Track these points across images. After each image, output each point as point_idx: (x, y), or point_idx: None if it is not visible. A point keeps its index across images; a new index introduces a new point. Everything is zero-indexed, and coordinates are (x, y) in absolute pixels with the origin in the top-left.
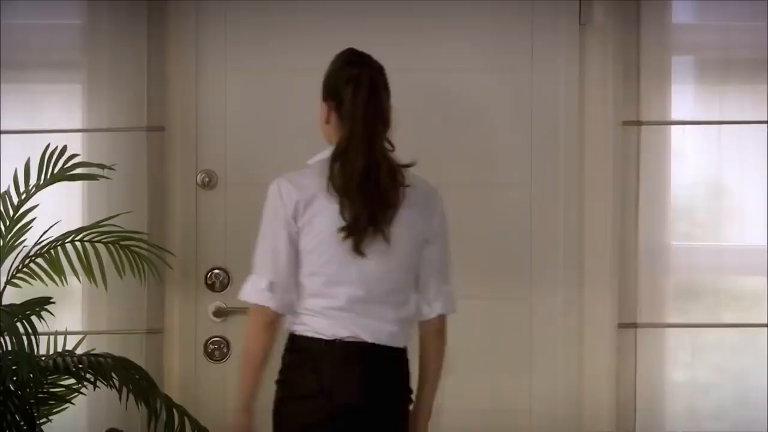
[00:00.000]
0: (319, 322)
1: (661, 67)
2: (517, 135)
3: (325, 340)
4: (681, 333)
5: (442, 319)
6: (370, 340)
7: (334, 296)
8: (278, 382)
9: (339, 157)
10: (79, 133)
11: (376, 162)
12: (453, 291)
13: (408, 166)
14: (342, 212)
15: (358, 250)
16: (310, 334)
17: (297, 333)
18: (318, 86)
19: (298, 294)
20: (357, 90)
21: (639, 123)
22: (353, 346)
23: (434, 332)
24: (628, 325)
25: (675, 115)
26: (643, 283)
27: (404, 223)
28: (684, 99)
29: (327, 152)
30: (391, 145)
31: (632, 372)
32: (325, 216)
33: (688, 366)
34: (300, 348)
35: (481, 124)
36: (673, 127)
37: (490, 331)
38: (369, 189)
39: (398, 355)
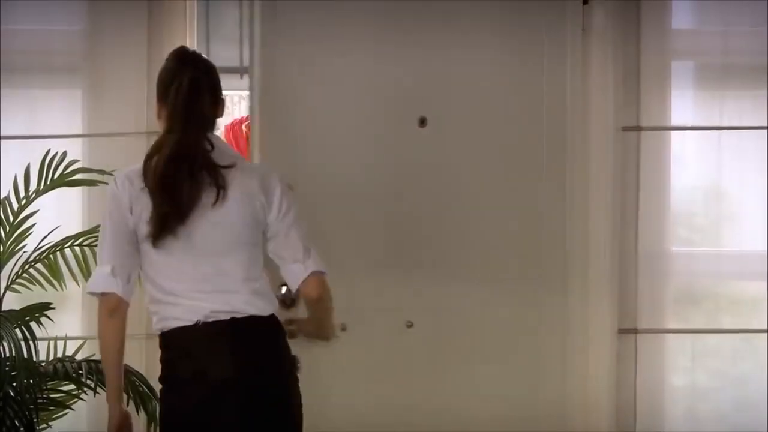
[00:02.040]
0: (175, 309)
1: (661, 72)
2: (525, 141)
3: (189, 326)
4: (681, 338)
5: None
6: (229, 311)
7: (177, 280)
8: (159, 380)
9: (152, 154)
10: (79, 139)
11: (185, 156)
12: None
13: (228, 167)
14: (153, 207)
15: (161, 243)
16: (175, 326)
17: (165, 329)
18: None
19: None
20: (178, 89)
21: (639, 128)
22: (216, 324)
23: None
24: (629, 331)
25: (675, 121)
26: (643, 288)
27: (229, 207)
28: (684, 104)
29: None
30: (212, 144)
31: (632, 377)
32: (146, 207)
33: (687, 371)
34: (168, 343)
35: (495, 130)
36: (673, 133)
37: (496, 336)
38: (175, 186)
39: (266, 323)
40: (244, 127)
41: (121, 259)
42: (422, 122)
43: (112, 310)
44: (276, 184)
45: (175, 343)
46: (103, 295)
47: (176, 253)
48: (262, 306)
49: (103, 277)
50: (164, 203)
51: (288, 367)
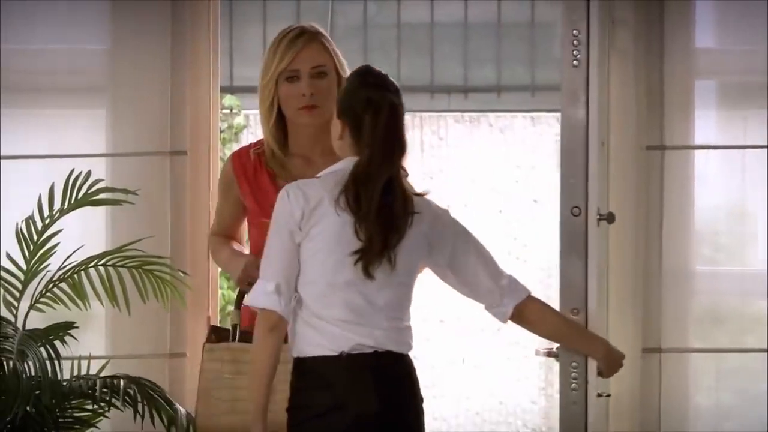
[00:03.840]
0: (320, 336)
1: (685, 91)
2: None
3: (332, 356)
4: (705, 358)
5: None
6: (372, 346)
7: (331, 306)
8: (290, 409)
9: (357, 181)
10: (103, 158)
11: (392, 189)
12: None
13: (420, 195)
14: (356, 233)
15: (367, 272)
16: (316, 353)
17: (302, 356)
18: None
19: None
20: (377, 116)
21: (663, 147)
22: (360, 357)
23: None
24: (653, 350)
25: (698, 140)
26: (667, 307)
27: (407, 248)
28: (707, 123)
29: (338, 165)
30: (405, 171)
31: (656, 397)
32: (329, 227)
33: (712, 390)
34: (305, 370)
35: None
36: (697, 152)
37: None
38: (385, 215)
39: (402, 360)
40: (252, 153)
41: (287, 277)
42: None
43: (272, 327)
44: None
45: (315, 371)
46: (263, 310)
47: (341, 281)
48: (402, 343)
49: (266, 294)
50: (380, 233)
51: (421, 407)
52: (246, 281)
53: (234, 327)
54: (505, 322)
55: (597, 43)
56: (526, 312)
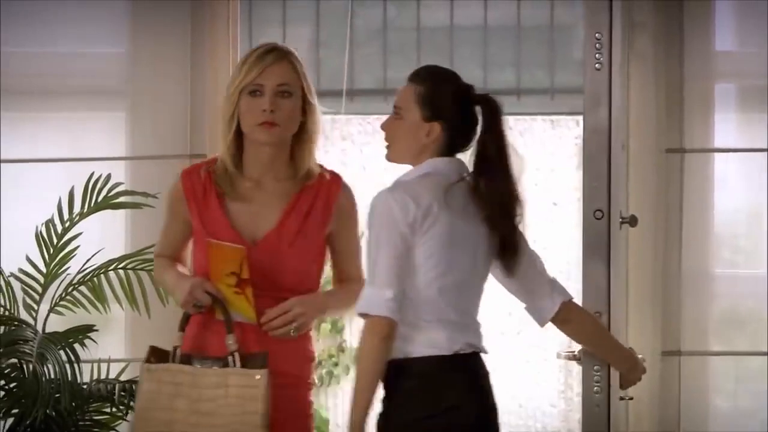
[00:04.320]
0: (430, 337)
1: (705, 94)
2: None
3: (446, 356)
4: (724, 360)
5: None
6: (475, 346)
7: (442, 307)
8: (391, 410)
9: (481, 181)
10: (123, 161)
11: (511, 189)
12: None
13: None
14: (490, 237)
15: (512, 271)
16: (427, 353)
17: (410, 356)
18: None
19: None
20: (493, 113)
21: (683, 150)
22: (467, 357)
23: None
24: (672, 353)
25: (718, 143)
26: (687, 310)
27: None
28: (727, 126)
29: (425, 168)
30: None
31: (676, 399)
32: (441, 230)
33: (731, 393)
34: (417, 371)
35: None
36: (717, 155)
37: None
38: (507, 215)
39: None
40: (202, 172)
41: (401, 285)
42: None
43: (387, 336)
44: None
45: (426, 372)
46: (377, 318)
47: (451, 282)
48: (482, 342)
49: (384, 301)
50: (510, 232)
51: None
52: (191, 303)
53: (175, 349)
54: (546, 321)
55: (619, 45)
56: (569, 312)
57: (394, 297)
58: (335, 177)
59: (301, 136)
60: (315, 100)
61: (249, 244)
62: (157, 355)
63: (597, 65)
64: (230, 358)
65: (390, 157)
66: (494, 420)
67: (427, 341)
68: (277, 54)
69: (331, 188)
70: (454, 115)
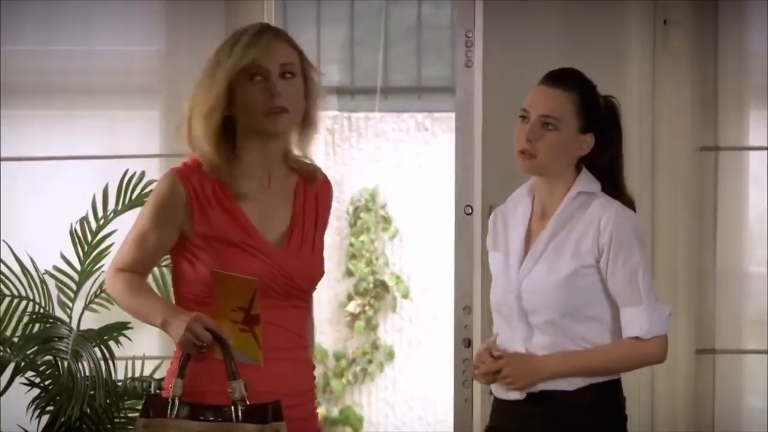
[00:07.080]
0: None
1: (739, 92)
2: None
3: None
4: (759, 359)
5: None
6: None
7: None
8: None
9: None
10: (157, 159)
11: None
12: None
13: None
14: None
15: None
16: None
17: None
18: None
19: None
20: (618, 122)
21: (717, 149)
22: None
23: None
24: (706, 351)
25: (752, 141)
26: (721, 308)
27: None
28: (761, 124)
29: (596, 183)
30: None
31: (710, 398)
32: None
33: (766, 392)
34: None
35: None
36: (751, 153)
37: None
38: None
39: None
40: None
41: None
42: None
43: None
44: None
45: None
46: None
47: None
48: None
49: (666, 318)
50: None
51: None
52: (192, 342)
53: (173, 399)
54: None
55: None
56: None
57: (670, 312)
58: (322, 172)
59: (304, 122)
60: (318, 79)
61: (271, 249)
62: (154, 406)
63: (468, 63)
64: (233, 409)
65: (534, 171)
66: None
67: None
68: (273, 33)
69: (325, 186)
70: (605, 125)
